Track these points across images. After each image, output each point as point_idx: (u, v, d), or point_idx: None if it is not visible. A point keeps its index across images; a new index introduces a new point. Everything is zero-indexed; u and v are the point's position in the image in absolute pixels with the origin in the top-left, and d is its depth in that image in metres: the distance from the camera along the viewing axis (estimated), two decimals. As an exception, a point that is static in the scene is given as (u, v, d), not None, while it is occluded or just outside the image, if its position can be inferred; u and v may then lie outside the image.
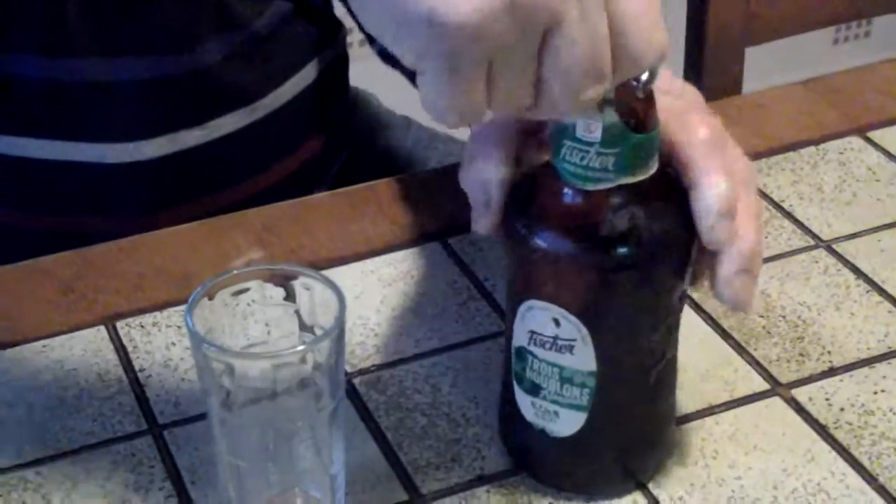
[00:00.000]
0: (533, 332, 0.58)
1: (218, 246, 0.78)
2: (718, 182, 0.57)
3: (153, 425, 0.67)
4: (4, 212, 0.85)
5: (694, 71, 1.05)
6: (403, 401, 0.67)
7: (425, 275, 0.76)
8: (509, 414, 0.62)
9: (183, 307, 0.73)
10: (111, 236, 0.79)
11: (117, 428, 0.66)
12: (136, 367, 0.70)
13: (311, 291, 0.56)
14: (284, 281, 0.57)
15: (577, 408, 0.59)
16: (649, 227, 0.56)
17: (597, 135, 0.54)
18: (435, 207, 0.81)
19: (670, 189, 0.58)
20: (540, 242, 0.56)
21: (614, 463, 0.61)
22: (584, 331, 0.57)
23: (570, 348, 0.57)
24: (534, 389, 0.59)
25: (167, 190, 0.85)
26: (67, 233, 0.82)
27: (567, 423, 0.59)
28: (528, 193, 0.58)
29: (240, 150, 0.87)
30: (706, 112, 0.61)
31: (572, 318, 0.57)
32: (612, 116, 0.54)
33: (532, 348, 0.58)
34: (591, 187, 0.55)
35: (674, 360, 0.61)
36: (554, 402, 0.59)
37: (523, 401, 0.60)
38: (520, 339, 0.59)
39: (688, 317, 0.71)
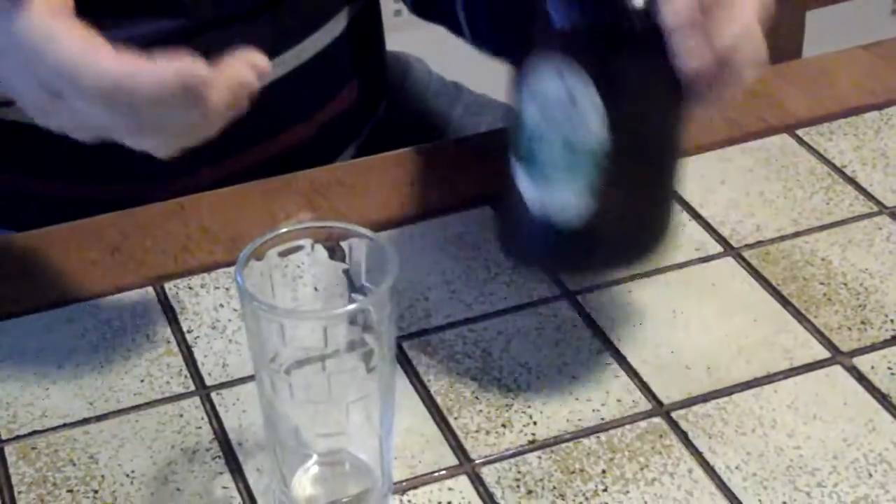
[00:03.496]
0: (536, 92, 0.59)
1: (267, 208, 0.77)
2: None
3: (201, 387, 0.66)
4: (58, 184, 0.85)
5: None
6: (454, 365, 0.66)
7: (476, 239, 0.74)
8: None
9: (231, 269, 0.73)
10: (157, 198, 0.78)
11: (164, 389, 0.66)
12: (184, 329, 0.69)
13: (361, 251, 0.55)
14: (334, 240, 0.55)
15: (585, 181, 0.59)
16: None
17: None
18: (486, 172, 0.79)
19: None
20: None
21: (611, 227, 0.61)
22: (592, 88, 0.57)
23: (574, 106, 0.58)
24: (531, 158, 0.61)
25: (208, 145, 0.85)
26: (115, 200, 0.81)
27: (574, 194, 0.60)
28: None
29: (278, 100, 0.86)
30: None
31: (579, 71, 0.57)
32: None
33: (533, 108, 0.59)
34: None
35: (675, 147, 0.62)
36: (554, 169, 0.60)
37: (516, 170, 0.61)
38: (524, 100, 0.60)
39: (747, 283, 0.70)
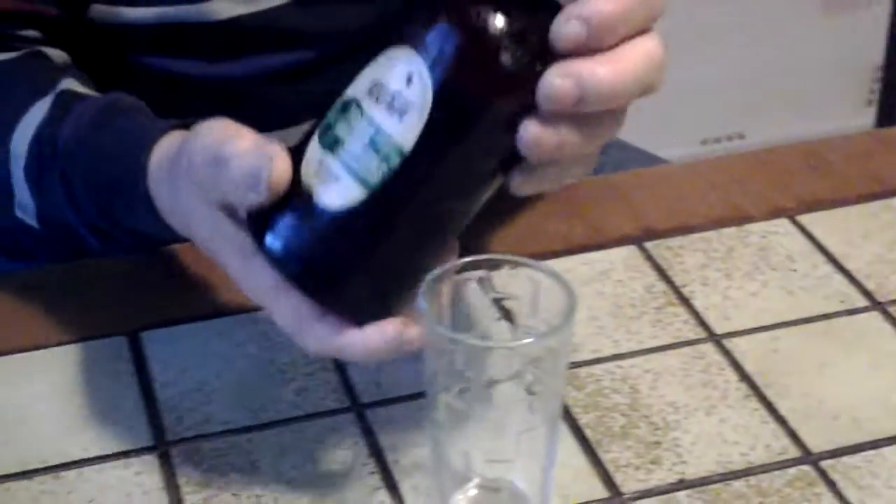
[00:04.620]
0: (376, 83, 0.53)
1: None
2: (613, 3, 0.52)
3: (355, 403, 0.68)
4: None
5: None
6: (601, 399, 0.68)
7: (622, 277, 0.76)
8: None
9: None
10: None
11: (319, 404, 0.68)
12: (338, 346, 0.72)
13: (537, 284, 0.57)
14: (512, 270, 0.58)
15: (363, 181, 0.53)
16: (538, 38, 0.52)
17: None
18: (630, 210, 0.81)
19: None
20: None
21: (361, 263, 0.55)
22: (430, 100, 0.52)
23: (403, 113, 0.52)
24: (333, 145, 0.54)
25: None
26: None
27: (342, 193, 0.54)
28: None
29: None
30: None
31: (430, 79, 0.52)
32: None
33: (365, 99, 0.54)
34: None
35: (468, 212, 0.57)
36: (345, 164, 0.54)
37: (311, 158, 0.55)
38: (358, 88, 0.54)
39: (894, 338, 0.70)
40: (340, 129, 0.54)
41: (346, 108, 0.54)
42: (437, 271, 0.57)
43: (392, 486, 0.63)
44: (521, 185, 0.56)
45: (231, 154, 0.56)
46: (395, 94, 0.52)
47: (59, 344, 0.72)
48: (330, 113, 0.55)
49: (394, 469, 0.64)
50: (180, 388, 0.69)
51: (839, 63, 2.10)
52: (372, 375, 0.70)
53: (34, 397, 0.69)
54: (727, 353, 0.70)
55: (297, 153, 0.56)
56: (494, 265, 0.58)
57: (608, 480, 0.63)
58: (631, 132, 1.09)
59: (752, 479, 0.63)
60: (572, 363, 0.70)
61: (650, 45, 0.54)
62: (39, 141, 0.70)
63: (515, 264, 0.58)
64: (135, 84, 0.79)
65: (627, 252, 0.78)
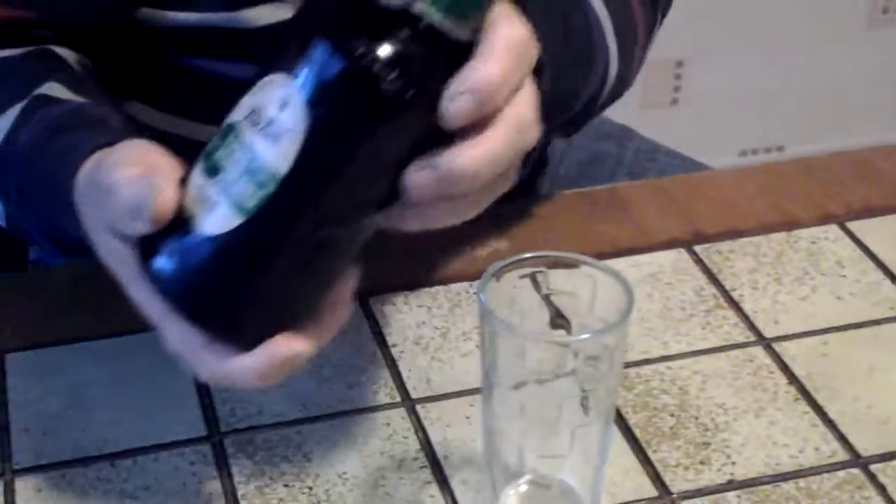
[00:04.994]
0: (254, 109, 0.53)
1: (465, 236, 0.80)
2: (496, 68, 0.51)
3: (406, 399, 0.69)
4: None
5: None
6: (651, 400, 0.68)
7: (671, 280, 0.76)
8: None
9: (432, 289, 0.76)
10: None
11: (371, 398, 0.69)
12: (389, 343, 0.73)
13: (594, 281, 0.58)
14: (568, 269, 0.58)
15: (240, 208, 0.53)
16: (423, 73, 0.51)
17: None
18: (680, 214, 0.82)
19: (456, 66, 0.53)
20: (316, 18, 0.52)
21: (241, 290, 0.54)
22: (304, 126, 0.51)
23: (278, 139, 0.52)
24: (213, 171, 0.54)
25: None
26: None
27: (220, 220, 0.53)
28: None
29: None
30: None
31: (303, 105, 0.51)
32: None
33: (242, 125, 0.53)
34: (395, 4, 0.51)
35: (353, 239, 0.55)
36: (223, 191, 0.53)
37: (193, 184, 0.55)
38: (237, 114, 0.54)
39: None
40: (220, 155, 0.54)
41: (226, 133, 0.54)
42: (495, 266, 0.57)
43: (442, 481, 0.64)
44: (400, 221, 0.54)
45: (118, 182, 0.56)
46: (271, 120, 0.52)
47: (116, 334, 0.73)
48: (213, 138, 0.55)
49: (444, 464, 0.65)
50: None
51: (881, 77, 2.10)
52: (423, 373, 0.70)
53: (91, 385, 0.70)
54: (776, 357, 0.71)
55: (184, 180, 0.55)
56: (553, 262, 0.59)
57: (657, 479, 0.64)
58: (670, 141, 1.10)
59: (802, 482, 0.63)
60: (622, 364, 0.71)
61: (522, 109, 0.53)
62: (6, 145, 0.70)
63: (574, 262, 0.58)
64: (178, 84, 0.81)
65: (676, 255, 0.79)
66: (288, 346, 0.54)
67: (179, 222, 0.54)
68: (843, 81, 2.08)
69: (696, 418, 0.67)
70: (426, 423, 0.67)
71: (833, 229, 0.81)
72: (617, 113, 1.10)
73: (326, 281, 0.56)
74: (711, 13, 1.98)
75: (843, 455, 0.65)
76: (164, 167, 0.57)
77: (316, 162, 0.52)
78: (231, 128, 0.53)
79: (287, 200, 0.52)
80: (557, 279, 0.58)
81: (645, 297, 0.75)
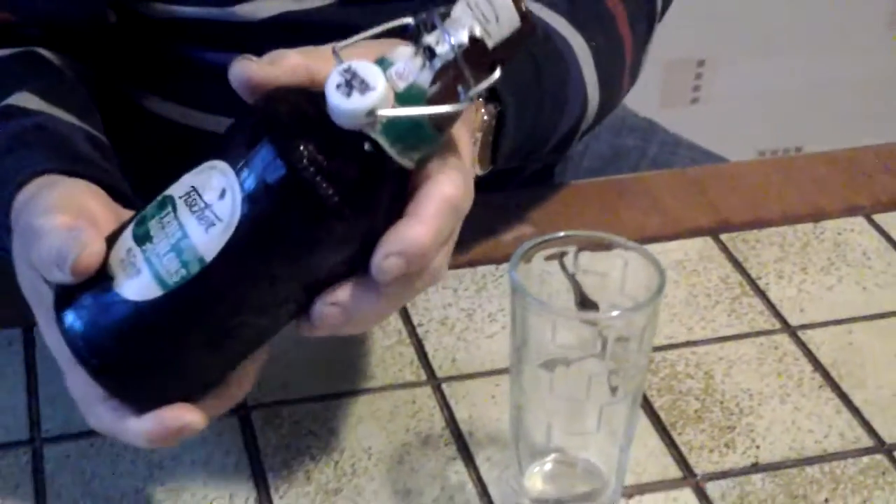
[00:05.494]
0: (194, 189, 0.54)
1: (488, 221, 0.81)
2: (427, 233, 0.53)
3: (432, 377, 0.69)
4: None
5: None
6: (676, 384, 0.69)
7: (697, 268, 0.77)
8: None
9: (458, 271, 0.76)
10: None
11: (397, 376, 0.69)
12: (414, 322, 0.73)
13: (626, 261, 0.58)
14: (599, 249, 0.59)
15: (161, 281, 0.53)
16: (362, 193, 0.52)
17: (403, 83, 0.52)
18: (707, 203, 0.82)
19: (397, 203, 0.54)
20: (268, 119, 0.53)
21: (144, 358, 0.55)
22: (237, 219, 0.52)
23: (210, 225, 0.53)
24: (143, 238, 0.55)
25: None
26: None
27: (140, 287, 0.54)
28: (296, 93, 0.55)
29: None
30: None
31: (240, 199, 0.52)
32: (427, 78, 0.52)
33: (179, 202, 0.54)
34: (346, 124, 0.52)
35: (263, 334, 0.57)
36: (148, 260, 0.54)
37: (122, 245, 0.55)
38: (178, 189, 0.55)
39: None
40: (152, 225, 0.54)
41: (162, 205, 0.55)
42: (527, 244, 0.58)
43: (467, 458, 0.64)
44: (307, 331, 0.56)
45: (45, 228, 0.57)
46: (207, 205, 0.53)
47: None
48: (149, 206, 0.55)
49: (469, 441, 0.65)
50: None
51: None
52: (448, 352, 0.71)
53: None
54: (802, 344, 0.71)
55: (115, 236, 0.56)
56: (584, 241, 0.59)
57: (682, 461, 0.64)
58: (691, 137, 1.10)
59: (826, 466, 0.63)
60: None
61: (451, 190, 0.54)
62: None
63: (605, 241, 0.59)
64: (183, 75, 0.81)
65: (703, 243, 0.79)
66: (179, 417, 0.55)
67: (101, 278, 0.55)
68: (863, 83, 2.08)
69: (722, 402, 0.67)
70: (451, 402, 0.68)
71: (859, 221, 0.81)
72: (637, 111, 1.10)
73: (232, 363, 0.57)
74: (733, 13, 1.98)
75: (867, 441, 0.65)
76: (98, 218, 0.58)
77: (242, 256, 0.53)
78: (168, 201, 0.54)
79: (207, 285, 0.53)
80: (587, 260, 0.59)
81: (671, 283, 0.75)
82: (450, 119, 0.54)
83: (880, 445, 0.65)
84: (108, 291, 0.55)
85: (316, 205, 0.51)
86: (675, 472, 0.63)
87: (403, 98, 0.52)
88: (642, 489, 0.62)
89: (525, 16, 0.53)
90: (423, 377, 0.69)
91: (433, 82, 0.52)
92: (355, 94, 0.51)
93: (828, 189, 0.84)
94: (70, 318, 0.55)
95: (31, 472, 0.63)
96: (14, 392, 0.68)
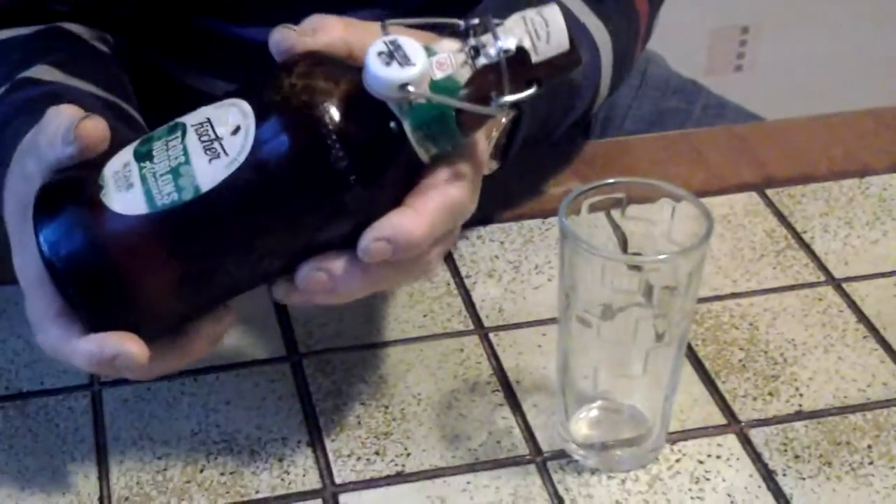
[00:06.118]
0: (209, 121, 0.54)
1: (538, 175, 0.82)
2: (421, 227, 0.54)
3: (479, 327, 0.71)
4: None
5: None
6: (720, 334, 0.69)
7: (742, 222, 0.77)
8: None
9: (504, 225, 0.78)
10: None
11: (446, 325, 0.71)
12: (462, 274, 0.74)
13: (673, 207, 0.59)
14: (647, 196, 0.59)
15: (150, 200, 0.54)
16: (372, 168, 0.53)
17: (441, 73, 0.53)
18: (753, 159, 0.83)
19: (401, 190, 0.55)
20: (300, 74, 0.54)
21: (114, 276, 0.55)
22: (244, 158, 0.53)
23: (216, 157, 0.53)
24: (144, 156, 0.55)
25: None
26: None
27: (127, 202, 0.54)
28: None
29: None
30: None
31: (253, 140, 0.53)
32: (465, 75, 0.53)
33: (191, 129, 0.54)
34: (378, 92, 0.52)
35: (234, 287, 0.56)
36: (143, 177, 0.54)
37: (120, 158, 0.55)
38: (192, 118, 0.55)
39: None
40: (157, 146, 0.55)
41: (172, 130, 0.55)
42: (577, 190, 0.59)
43: (514, 405, 0.65)
44: (283, 294, 0.56)
45: (51, 118, 0.57)
46: (218, 138, 0.53)
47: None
48: (158, 129, 0.56)
49: (516, 388, 0.66)
50: (313, 307, 0.72)
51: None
52: (496, 302, 0.72)
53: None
54: (846, 296, 0.71)
55: (114, 150, 0.56)
56: (634, 188, 0.60)
57: (726, 408, 0.65)
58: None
59: (869, 414, 0.64)
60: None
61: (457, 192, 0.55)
62: None
63: (654, 188, 0.60)
64: (200, 44, 0.82)
65: (748, 198, 0.79)
66: (119, 345, 0.54)
67: (90, 184, 0.55)
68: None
69: (766, 352, 0.68)
70: (499, 350, 0.69)
71: (905, 177, 0.81)
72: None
73: (195, 308, 0.57)
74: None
75: (911, 391, 0.66)
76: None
77: (238, 195, 0.53)
78: (180, 126, 0.55)
79: (195, 216, 0.54)
80: (634, 210, 0.60)
81: (716, 237, 0.76)
82: (475, 122, 0.55)
83: (923, 394, 0.65)
84: (94, 198, 0.54)
85: (325, 164, 0.52)
86: (719, 418, 0.64)
87: (438, 87, 0.53)
88: (686, 435, 0.63)
89: (574, 44, 0.54)
90: (471, 326, 0.71)
91: (470, 81, 0.53)
92: (394, 65, 0.52)
93: (874, 145, 0.84)
94: (48, 216, 0.55)
95: (91, 415, 0.65)
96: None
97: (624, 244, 0.61)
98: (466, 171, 0.55)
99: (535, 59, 0.53)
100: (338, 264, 0.55)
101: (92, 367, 0.56)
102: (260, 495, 0.61)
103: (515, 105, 0.54)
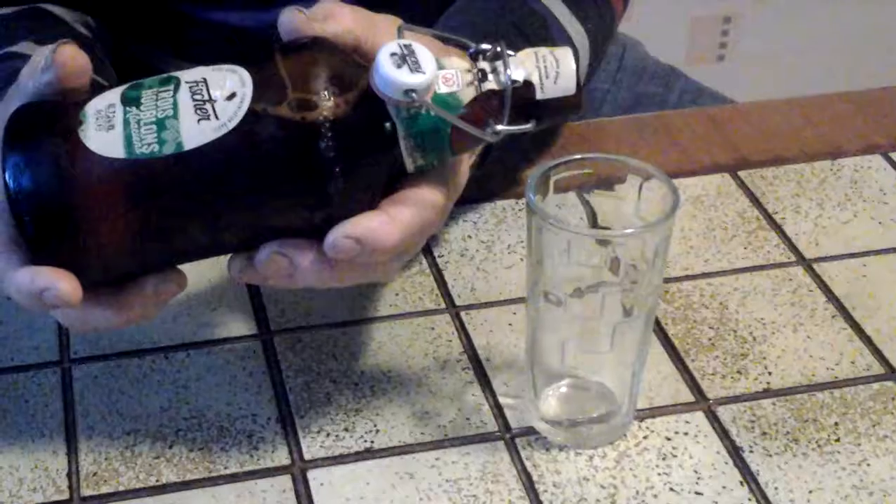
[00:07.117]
0: (205, 81, 0.54)
1: (505, 156, 0.82)
2: (392, 236, 0.54)
3: (451, 306, 0.71)
4: None
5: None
6: (690, 313, 0.70)
7: (714, 202, 0.78)
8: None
9: (477, 206, 0.78)
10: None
11: (417, 304, 0.71)
12: (435, 254, 0.74)
13: (641, 182, 0.59)
14: (615, 175, 0.60)
15: (129, 146, 0.53)
16: (357, 163, 0.53)
17: (446, 88, 0.54)
18: (725, 141, 0.83)
19: (378, 194, 0.55)
20: (307, 58, 0.54)
21: (63, 212, 0.53)
22: (233, 125, 0.53)
23: (205, 118, 0.53)
24: (131, 101, 0.54)
25: None
26: None
27: (104, 142, 0.53)
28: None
29: None
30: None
31: (247, 109, 0.53)
32: (468, 95, 0.54)
33: (185, 86, 0.54)
34: (382, 91, 0.53)
35: (189, 252, 0.56)
36: (126, 121, 0.54)
37: (105, 98, 0.55)
38: (188, 75, 0.55)
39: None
40: (146, 94, 0.54)
41: (165, 82, 0.55)
42: (545, 165, 0.59)
43: (485, 382, 0.66)
44: (239, 270, 0.56)
45: (35, 55, 0.56)
46: (211, 99, 0.53)
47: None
48: (151, 78, 0.55)
49: (486, 366, 0.67)
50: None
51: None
52: (467, 282, 0.72)
53: (145, 284, 0.72)
54: (816, 276, 0.72)
55: (101, 90, 0.56)
56: (602, 164, 0.60)
57: (694, 386, 0.65)
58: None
59: (836, 392, 0.65)
60: (663, 279, 0.72)
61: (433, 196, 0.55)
62: None
63: (621, 164, 0.60)
64: (192, 33, 0.82)
65: (720, 179, 0.80)
66: (51, 280, 0.53)
67: (67, 117, 0.54)
68: (891, 39, 2.07)
69: (735, 331, 0.68)
70: (469, 329, 0.69)
71: (877, 159, 0.81)
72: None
73: (142, 265, 0.56)
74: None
75: (878, 369, 0.66)
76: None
77: (219, 161, 0.53)
78: (173, 80, 0.55)
79: (170, 171, 0.53)
80: (607, 179, 0.60)
81: (688, 217, 0.77)
82: (467, 142, 0.55)
83: (890, 372, 0.66)
84: (71, 131, 0.54)
85: (314, 149, 0.53)
86: (687, 396, 0.65)
87: (439, 101, 0.54)
88: (654, 412, 0.64)
89: (580, 89, 0.55)
90: (443, 305, 0.71)
91: (472, 102, 0.54)
92: (405, 69, 0.53)
93: (846, 128, 0.84)
94: (19, 137, 0.54)
95: (60, 391, 0.65)
96: (44, 314, 0.70)
97: (593, 221, 0.61)
98: (444, 194, 0.56)
99: (539, 95, 0.54)
100: (301, 252, 0.55)
101: (22, 298, 0.54)
102: (229, 471, 0.61)
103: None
